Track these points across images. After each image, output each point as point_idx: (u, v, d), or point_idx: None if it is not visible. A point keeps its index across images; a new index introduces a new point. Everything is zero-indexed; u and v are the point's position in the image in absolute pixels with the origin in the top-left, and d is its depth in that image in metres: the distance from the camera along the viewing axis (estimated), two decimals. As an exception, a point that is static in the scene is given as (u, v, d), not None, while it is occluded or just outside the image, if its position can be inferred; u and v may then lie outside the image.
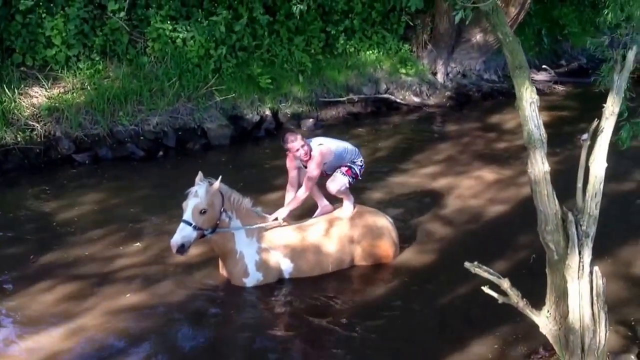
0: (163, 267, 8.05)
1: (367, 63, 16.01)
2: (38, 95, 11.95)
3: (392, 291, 7.71)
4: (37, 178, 10.91)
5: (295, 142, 7.73)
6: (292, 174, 8.12)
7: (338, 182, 7.99)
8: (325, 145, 7.91)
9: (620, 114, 5.67)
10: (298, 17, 13.93)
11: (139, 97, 12.50)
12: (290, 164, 8.08)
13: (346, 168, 8.09)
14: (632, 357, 6.24)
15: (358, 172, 8.18)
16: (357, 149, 8.31)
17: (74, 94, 12.04)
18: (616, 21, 5.72)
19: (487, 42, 16.91)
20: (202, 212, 7.07)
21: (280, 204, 8.16)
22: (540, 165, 5.19)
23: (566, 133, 11.86)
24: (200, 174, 7.33)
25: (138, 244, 8.64)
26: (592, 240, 5.17)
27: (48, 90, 12.01)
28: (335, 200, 8.29)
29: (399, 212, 9.57)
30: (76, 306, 7.21)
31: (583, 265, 5.09)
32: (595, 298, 5.12)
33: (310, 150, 7.80)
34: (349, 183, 8.06)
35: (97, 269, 8.00)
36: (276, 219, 7.82)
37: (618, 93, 5.17)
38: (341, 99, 15.15)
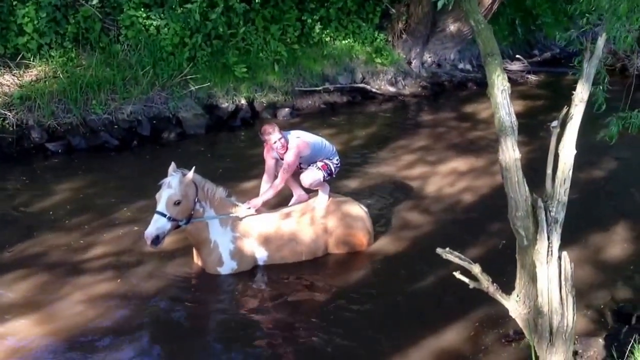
0: (137, 256, 8.04)
1: (342, 52, 16.01)
2: (10, 84, 11.82)
3: (367, 278, 7.78)
4: (9, 167, 10.79)
5: (272, 135, 7.77)
6: (269, 163, 8.14)
7: (312, 175, 8.03)
8: (302, 139, 7.96)
9: (598, 107, 5.74)
10: (258, 2, 13.91)
11: (112, 85, 12.39)
12: (268, 154, 8.11)
13: (322, 163, 8.14)
14: (600, 340, 6.34)
15: (333, 169, 8.24)
16: (334, 148, 8.39)
17: (47, 83, 11.92)
18: (587, 10, 5.77)
19: (462, 32, 16.99)
20: (176, 203, 7.06)
21: (256, 193, 8.19)
22: (511, 152, 5.22)
23: (539, 122, 11.94)
24: (173, 165, 7.33)
25: (112, 233, 8.61)
26: (561, 226, 5.20)
27: (20, 79, 11.89)
28: (311, 189, 8.32)
29: (373, 201, 9.64)
30: (50, 295, 7.20)
31: (552, 250, 5.12)
32: (563, 282, 5.15)
33: (287, 143, 7.84)
34: (323, 178, 8.10)
35: (71, 258, 7.98)
36: (249, 208, 7.85)
37: (587, 80, 5.21)
38: (317, 88, 15.16)
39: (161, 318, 6.98)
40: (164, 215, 7.02)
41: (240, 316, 7.04)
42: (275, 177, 8.04)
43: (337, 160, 8.31)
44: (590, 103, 5.28)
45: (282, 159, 7.95)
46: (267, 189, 8.00)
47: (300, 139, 7.95)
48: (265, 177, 8.19)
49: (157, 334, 6.73)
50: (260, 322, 6.98)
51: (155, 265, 7.84)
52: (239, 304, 7.32)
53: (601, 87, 5.73)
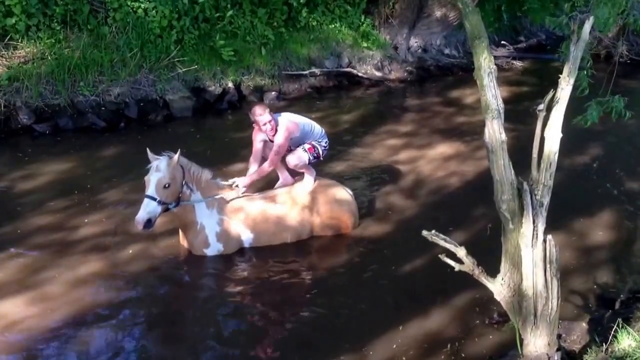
0: (124, 236, 8.06)
1: (329, 36, 16.00)
2: (-3, 65, 11.80)
3: (352, 261, 7.83)
4: (-4, 148, 10.83)
5: (262, 116, 7.77)
6: (257, 146, 8.15)
7: (298, 157, 8.06)
8: (292, 122, 7.98)
9: (581, 91, 5.80)
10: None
11: (100, 67, 12.34)
12: (256, 136, 8.12)
13: (309, 145, 8.18)
14: (584, 324, 6.37)
15: (321, 152, 8.28)
16: (323, 131, 8.41)
17: (34, 64, 11.86)
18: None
19: (448, 18, 17.04)
20: (166, 186, 7.06)
21: (243, 175, 8.21)
22: (497, 135, 5.26)
23: (524, 107, 11.95)
24: (148, 151, 7.29)
25: (99, 213, 8.63)
26: (546, 209, 5.26)
27: (8, 60, 11.81)
28: (297, 173, 8.39)
29: (359, 185, 9.69)
30: (38, 275, 7.22)
31: (537, 234, 5.18)
32: (548, 266, 5.21)
33: (277, 125, 7.86)
34: (309, 160, 8.14)
35: (58, 239, 8.01)
36: (236, 185, 7.89)
37: (574, 63, 5.26)
38: (303, 72, 15.16)
39: (148, 298, 7.02)
40: (154, 199, 7.02)
41: (226, 297, 7.10)
42: (263, 159, 8.07)
43: (325, 142, 8.36)
44: (574, 87, 5.34)
45: (272, 141, 7.98)
46: (256, 169, 8.04)
47: (290, 121, 7.97)
48: (252, 160, 8.21)
49: (144, 314, 6.78)
50: (246, 303, 7.04)
51: (142, 246, 7.87)
52: (225, 285, 7.35)
53: (585, 72, 5.79)
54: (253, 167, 8.15)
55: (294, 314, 6.82)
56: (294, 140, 8.09)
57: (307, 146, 8.17)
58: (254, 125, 7.99)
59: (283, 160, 8.26)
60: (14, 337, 6.23)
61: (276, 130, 7.87)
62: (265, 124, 7.80)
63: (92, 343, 6.23)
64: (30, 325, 6.39)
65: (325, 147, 8.35)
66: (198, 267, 7.62)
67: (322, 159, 8.43)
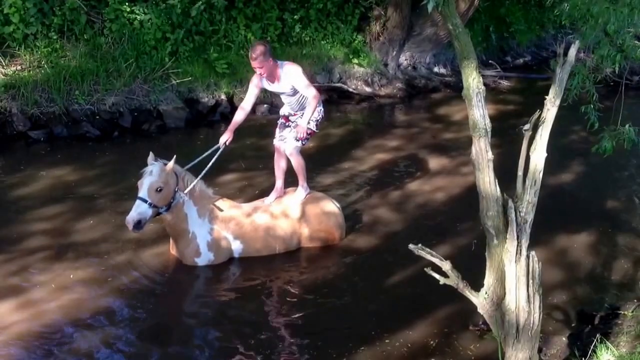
0: (115, 244, 8.17)
1: (321, 52, 16.10)
2: (-6, 72, 11.89)
3: (339, 272, 7.95)
4: (-9, 154, 10.90)
5: (253, 61, 7.85)
6: (253, 91, 8.26)
7: (293, 146, 8.21)
8: (295, 67, 8.04)
9: (590, 125, 5.95)
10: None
11: (95, 77, 12.44)
12: (252, 83, 8.24)
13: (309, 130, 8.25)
14: (564, 338, 6.54)
15: (317, 124, 8.36)
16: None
17: (31, 72, 11.96)
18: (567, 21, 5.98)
19: (438, 36, 17.14)
20: (158, 190, 7.19)
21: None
22: (484, 153, 5.38)
23: (510, 126, 12.08)
24: (151, 154, 7.45)
25: (91, 221, 8.73)
26: (530, 226, 5.37)
27: (5, 67, 11.92)
28: (290, 184, 8.53)
29: (347, 198, 9.81)
30: (27, 280, 7.32)
31: (520, 250, 5.28)
32: (531, 281, 5.30)
33: (275, 67, 7.93)
34: (302, 144, 8.25)
35: (50, 245, 8.09)
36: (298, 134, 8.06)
37: (560, 85, 5.36)
38: (295, 86, 15.26)
39: (138, 306, 7.09)
40: (146, 202, 7.15)
41: (214, 306, 7.20)
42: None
43: (320, 109, 8.33)
44: (561, 105, 5.48)
45: (272, 83, 8.04)
46: (306, 108, 8.02)
47: (294, 68, 7.99)
48: (240, 111, 8.36)
49: (133, 321, 6.86)
50: (233, 313, 7.10)
51: (133, 254, 7.98)
52: (213, 294, 7.46)
53: (592, 106, 5.94)
54: (240, 114, 8.31)
55: (280, 324, 6.92)
56: (297, 98, 8.16)
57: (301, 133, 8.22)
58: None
59: (281, 164, 8.44)
60: (2, 342, 6.30)
61: (274, 76, 7.96)
62: (256, 69, 7.88)
63: (81, 349, 6.30)
64: (18, 330, 6.46)
65: (321, 114, 8.37)
66: (188, 277, 7.71)
67: (317, 130, 8.48)
